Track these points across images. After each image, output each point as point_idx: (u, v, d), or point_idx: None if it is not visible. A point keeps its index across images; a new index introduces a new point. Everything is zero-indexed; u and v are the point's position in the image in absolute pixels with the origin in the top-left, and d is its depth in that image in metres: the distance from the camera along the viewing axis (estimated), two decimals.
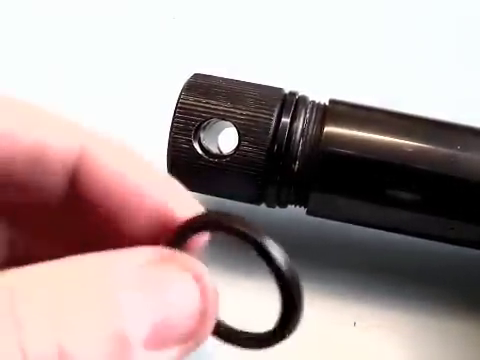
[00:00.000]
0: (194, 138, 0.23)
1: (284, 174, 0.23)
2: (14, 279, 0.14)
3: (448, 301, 0.25)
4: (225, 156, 0.23)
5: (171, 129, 0.23)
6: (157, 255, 0.16)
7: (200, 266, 0.16)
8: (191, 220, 0.17)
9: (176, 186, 0.18)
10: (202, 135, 0.23)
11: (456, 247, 0.24)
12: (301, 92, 0.25)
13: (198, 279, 0.16)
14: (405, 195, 0.23)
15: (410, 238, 0.24)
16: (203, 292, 0.16)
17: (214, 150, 0.23)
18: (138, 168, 0.17)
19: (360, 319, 0.25)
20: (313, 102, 0.24)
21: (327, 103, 0.24)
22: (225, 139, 0.24)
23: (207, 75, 0.24)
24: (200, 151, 0.23)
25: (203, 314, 0.16)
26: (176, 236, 0.17)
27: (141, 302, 0.15)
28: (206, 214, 0.17)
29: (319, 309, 0.25)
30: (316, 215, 0.24)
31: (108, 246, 0.17)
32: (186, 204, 0.17)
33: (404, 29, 0.33)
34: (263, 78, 0.25)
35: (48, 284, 0.14)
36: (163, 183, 0.17)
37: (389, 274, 0.26)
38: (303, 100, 0.24)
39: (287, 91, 0.24)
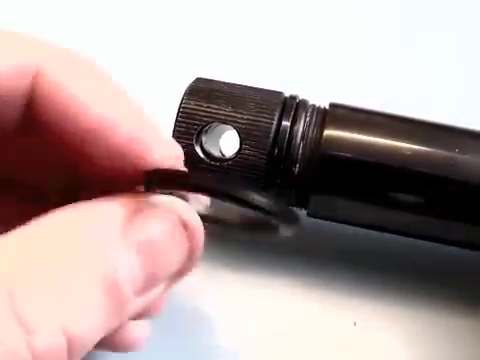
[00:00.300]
0: (196, 142, 0.23)
1: (285, 177, 0.23)
2: (7, 260, 0.13)
3: (448, 300, 0.25)
4: (226, 159, 0.23)
5: (173, 133, 0.23)
6: (141, 204, 0.15)
7: (185, 208, 0.16)
8: (159, 171, 0.16)
9: (146, 120, 0.17)
10: (204, 139, 0.23)
11: None
12: (301, 96, 0.25)
13: (184, 223, 0.15)
14: (404, 197, 0.23)
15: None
16: (190, 235, 0.16)
17: (216, 154, 0.24)
18: (95, 87, 0.16)
19: (360, 319, 0.25)
20: (313, 106, 0.24)
21: (327, 107, 0.24)
22: (226, 143, 0.25)
23: (209, 79, 0.24)
24: (202, 155, 0.23)
25: (190, 255, 0.16)
26: (156, 175, 0.16)
27: (133, 260, 0.14)
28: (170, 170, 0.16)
29: (319, 309, 0.25)
30: (316, 217, 0.25)
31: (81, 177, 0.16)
32: (157, 141, 0.16)
33: (403, 33, 0.33)
34: (264, 82, 0.25)
35: (39, 258, 0.13)
36: (129, 112, 0.16)
37: (389, 274, 0.26)
38: (303, 104, 0.24)
39: (287, 95, 0.24)
